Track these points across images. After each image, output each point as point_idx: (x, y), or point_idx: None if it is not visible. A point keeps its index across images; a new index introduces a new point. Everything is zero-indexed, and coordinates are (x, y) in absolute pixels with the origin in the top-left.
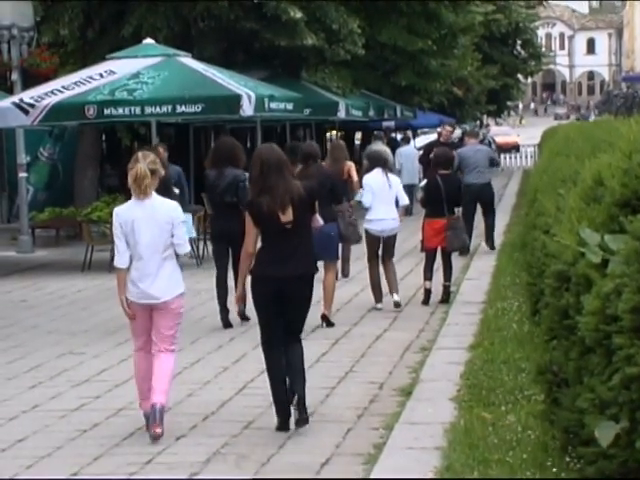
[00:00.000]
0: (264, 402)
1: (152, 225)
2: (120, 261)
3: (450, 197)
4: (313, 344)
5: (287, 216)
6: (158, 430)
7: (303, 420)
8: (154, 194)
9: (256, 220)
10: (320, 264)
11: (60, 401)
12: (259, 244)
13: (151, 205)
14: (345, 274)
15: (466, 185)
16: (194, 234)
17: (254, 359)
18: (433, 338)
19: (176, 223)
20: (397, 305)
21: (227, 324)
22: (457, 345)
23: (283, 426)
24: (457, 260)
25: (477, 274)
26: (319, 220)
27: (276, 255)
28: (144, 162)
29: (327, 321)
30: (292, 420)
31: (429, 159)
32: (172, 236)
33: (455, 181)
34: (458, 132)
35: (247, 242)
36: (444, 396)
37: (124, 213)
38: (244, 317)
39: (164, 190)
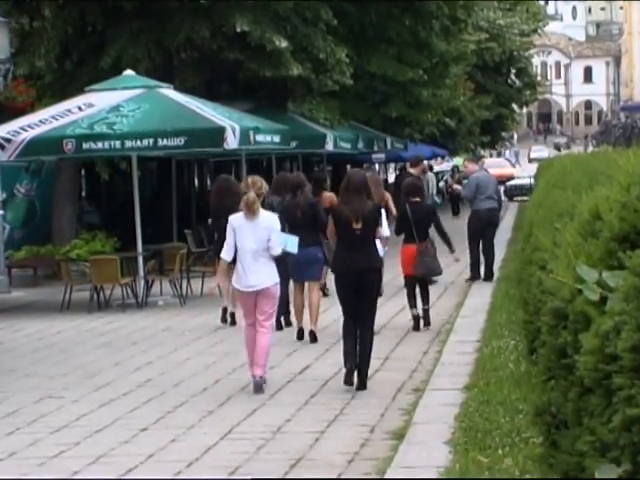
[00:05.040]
0: (251, 447)
1: (255, 231)
2: (226, 255)
3: (419, 224)
4: (302, 385)
5: (358, 225)
6: (261, 394)
7: (362, 385)
8: (261, 211)
9: (335, 223)
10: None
11: (38, 448)
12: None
13: (256, 217)
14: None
15: (481, 210)
16: (295, 250)
17: (240, 402)
18: (426, 379)
19: (273, 231)
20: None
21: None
22: (451, 386)
23: (348, 380)
24: (451, 297)
25: (471, 312)
26: (381, 231)
27: (350, 253)
28: (252, 190)
29: (314, 337)
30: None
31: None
32: (268, 240)
33: (425, 208)
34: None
35: (329, 235)
36: (438, 439)
37: (236, 220)
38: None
39: None
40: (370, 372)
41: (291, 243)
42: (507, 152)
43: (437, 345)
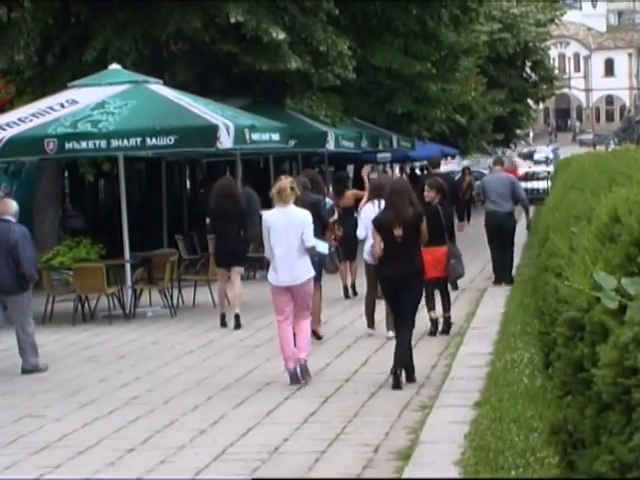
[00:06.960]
0: (245, 469)
1: (288, 227)
2: (268, 254)
3: (448, 225)
4: (301, 402)
5: (398, 231)
6: (308, 378)
7: (410, 378)
8: (292, 204)
9: (377, 229)
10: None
11: (16, 471)
12: None
13: (289, 212)
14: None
15: (487, 213)
16: (327, 251)
17: (234, 421)
18: (434, 394)
19: (305, 225)
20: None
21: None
22: (461, 402)
23: (395, 385)
24: (462, 306)
25: (484, 322)
26: (424, 233)
27: (391, 258)
28: (286, 179)
29: (317, 336)
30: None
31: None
32: (302, 234)
33: (446, 210)
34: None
35: (374, 246)
36: (447, 460)
37: (269, 217)
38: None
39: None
40: (374, 388)
41: (322, 245)
42: (544, 149)
43: (446, 358)
